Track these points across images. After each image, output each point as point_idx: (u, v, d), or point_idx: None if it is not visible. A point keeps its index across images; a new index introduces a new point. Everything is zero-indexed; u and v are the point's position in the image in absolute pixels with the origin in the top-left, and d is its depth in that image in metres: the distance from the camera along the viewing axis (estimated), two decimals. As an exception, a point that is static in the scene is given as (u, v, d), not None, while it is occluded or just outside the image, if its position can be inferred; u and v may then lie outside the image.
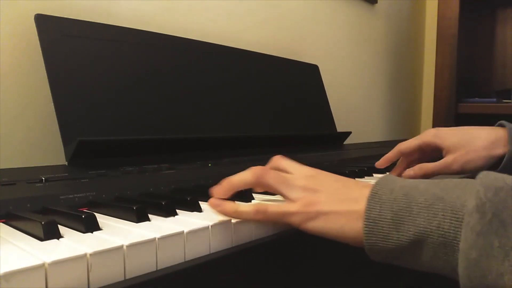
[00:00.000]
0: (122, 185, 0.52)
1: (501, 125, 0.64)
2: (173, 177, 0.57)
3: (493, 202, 0.30)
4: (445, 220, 0.32)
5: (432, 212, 0.33)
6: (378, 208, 0.35)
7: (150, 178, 0.56)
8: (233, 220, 0.40)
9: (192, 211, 0.44)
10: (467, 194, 0.32)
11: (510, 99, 1.68)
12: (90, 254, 0.29)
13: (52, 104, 0.61)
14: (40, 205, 0.43)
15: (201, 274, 0.35)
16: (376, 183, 0.37)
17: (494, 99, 1.71)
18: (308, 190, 0.40)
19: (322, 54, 1.39)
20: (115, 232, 0.35)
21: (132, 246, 0.32)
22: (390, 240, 0.34)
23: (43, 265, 0.27)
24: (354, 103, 1.58)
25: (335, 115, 1.21)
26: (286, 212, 0.39)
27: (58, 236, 0.33)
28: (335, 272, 0.50)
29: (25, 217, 0.36)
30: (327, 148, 1.04)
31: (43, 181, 0.50)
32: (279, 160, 0.46)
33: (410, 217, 0.34)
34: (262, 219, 0.40)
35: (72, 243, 0.31)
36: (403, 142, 0.69)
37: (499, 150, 0.62)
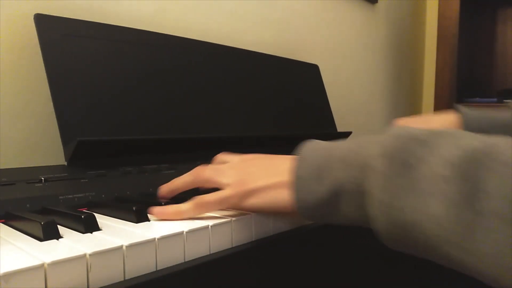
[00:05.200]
0: (122, 185, 0.52)
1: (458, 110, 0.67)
2: (173, 177, 0.57)
3: (394, 146, 0.32)
4: (357, 169, 0.34)
5: (346, 163, 0.35)
6: (303, 166, 0.38)
7: (149, 178, 0.56)
8: (233, 219, 0.39)
9: (192, 211, 0.44)
10: (375, 144, 0.33)
11: (511, 99, 1.68)
12: (90, 254, 0.29)
13: (52, 104, 0.61)
14: (39, 205, 0.43)
15: (201, 274, 0.35)
16: (301, 147, 0.40)
17: (495, 99, 1.71)
18: (239, 173, 0.42)
19: (322, 54, 1.39)
20: (115, 232, 0.35)
21: (131, 246, 0.31)
22: (313, 195, 0.36)
23: (42, 265, 0.27)
24: (354, 103, 1.58)
25: (336, 115, 1.21)
26: (223, 197, 0.41)
27: (57, 236, 0.33)
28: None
29: (25, 217, 0.36)
30: (328, 148, 1.03)
31: (43, 181, 0.49)
32: (220, 156, 0.49)
33: (327, 170, 0.36)
34: (203, 211, 0.41)
35: (71, 243, 0.31)
36: (401, 120, 0.76)
37: None
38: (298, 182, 0.37)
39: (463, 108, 0.66)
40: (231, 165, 0.45)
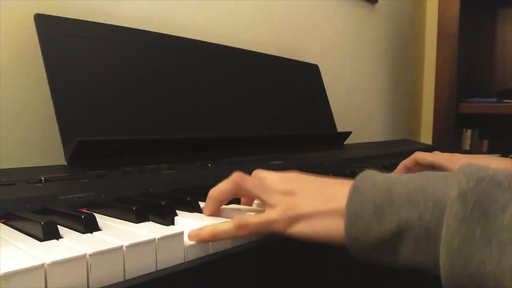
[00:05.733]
0: (122, 185, 0.52)
1: None
2: (172, 178, 0.57)
3: (475, 191, 0.29)
4: (427, 211, 0.31)
5: (414, 203, 0.32)
6: (360, 201, 0.35)
7: (149, 178, 0.56)
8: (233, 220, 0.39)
9: (192, 211, 0.44)
10: (449, 185, 0.31)
11: (511, 99, 1.68)
12: (90, 255, 0.29)
13: (52, 104, 0.61)
14: (39, 205, 0.43)
15: (201, 275, 0.35)
16: (357, 178, 0.37)
17: (495, 99, 1.71)
18: (286, 193, 0.39)
19: (322, 54, 1.39)
20: (115, 233, 0.35)
21: (131, 246, 0.31)
22: (371, 233, 0.34)
23: (42, 265, 0.27)
24: (354, 103, 1.58)
25: (335, 115, 1.21)
26: (268, 220, 0.38)
27: (57, 236, 0.33)
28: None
29: (25, 217, 0.36)
30: (328, 148, 1.04)
31: (43, 181, 0.49)
32: (257, 171, 0.45)
33: (391, 209, 0.33)
34: (245, 233, 0.38)
35: (71, 244, 0.31)
36: (420, 153, 0.71)
37: None
38: (354, 218, 0.34)
39: None
40: (276, 182, 0.41)
